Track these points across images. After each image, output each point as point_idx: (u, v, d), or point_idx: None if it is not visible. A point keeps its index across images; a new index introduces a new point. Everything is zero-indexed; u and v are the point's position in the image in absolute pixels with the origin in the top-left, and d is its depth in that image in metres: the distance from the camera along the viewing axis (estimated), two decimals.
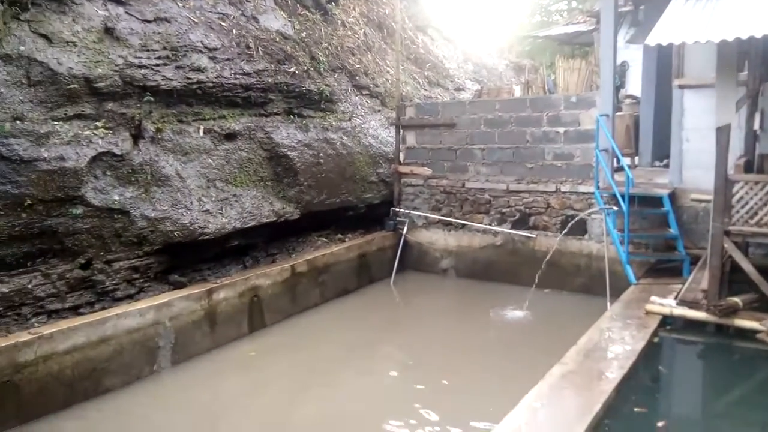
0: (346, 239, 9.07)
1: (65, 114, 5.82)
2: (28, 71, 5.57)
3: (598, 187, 7.51)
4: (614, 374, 4.04)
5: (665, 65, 8.07)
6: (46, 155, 5.38)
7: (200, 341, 6.25)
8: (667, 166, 9.29)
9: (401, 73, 10.40)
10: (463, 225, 9.02)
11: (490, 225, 8.77)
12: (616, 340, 4.76)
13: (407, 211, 9.55)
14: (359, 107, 10.07)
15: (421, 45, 13.99)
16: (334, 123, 9.19)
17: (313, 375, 5.84)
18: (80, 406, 5.07)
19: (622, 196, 6.70)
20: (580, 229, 7.96)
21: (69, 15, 6.14)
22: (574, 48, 19.02)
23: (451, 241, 9.17)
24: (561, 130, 8.22)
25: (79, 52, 6.03)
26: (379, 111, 10.52)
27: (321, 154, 8.64)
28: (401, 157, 9.72)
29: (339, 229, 9.26)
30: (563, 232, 7.88)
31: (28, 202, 5.22)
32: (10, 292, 5.15)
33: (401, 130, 9.69)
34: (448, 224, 9.21)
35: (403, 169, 9.63)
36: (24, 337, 4.84)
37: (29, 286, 5.29)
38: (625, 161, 7.50)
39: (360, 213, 9.47)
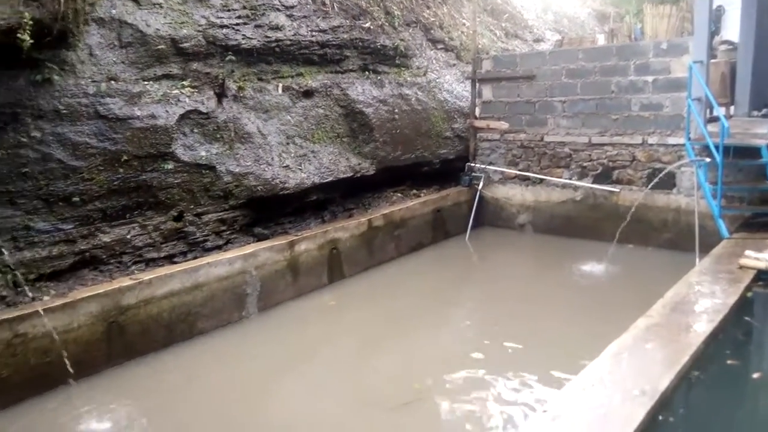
0: (422, 194, 9.09)
1: (154, 74, 6.10)
2: (120, 34, 5.86)
3: (689, 139, 7.10)
4: (703, 328, 3.89)
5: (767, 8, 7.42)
6: (138, 113, 5.69)
7: (284, 290, 6.53)
8: (766, 116, 8.64)
9: (477, 25, 10.10)
10: (541, 180, 8.81)
11: (569, 179, 8.52)
12: (705, 294, 4.57)
13: (483, 166, 9.43)
14: (434, 62, 9.92)
15: None
16: (408, 78, 9.12)
17: (390, 324, 5.99)
18: (178, 346, 5.46)
19: (716, 147, 6.30)
20: (668, 182, 7.59)
21: None
22: None
23: (529, 196, 9.00)
24: (649, 79, 7.77)
25: (165, 13, 6.27)
26: (454, 65, 10.32)
27: (396, 110, 8.62)
28: (477, 111, 9.55)
29: (414, 184, 9.29)
30: (649, 186, 7.54)
31: (125, 158, 5.56)
32: (112, 241, 5.56)
33: (477, 84, 9.49)
34: (525, 179, 9.03)
35: (478, 123, 9.47)
36: (126, 282, 5.24)
37: (128, 237, 5.69)
38: (720, 111, 7.03)
39: (435, 169, 9.44)
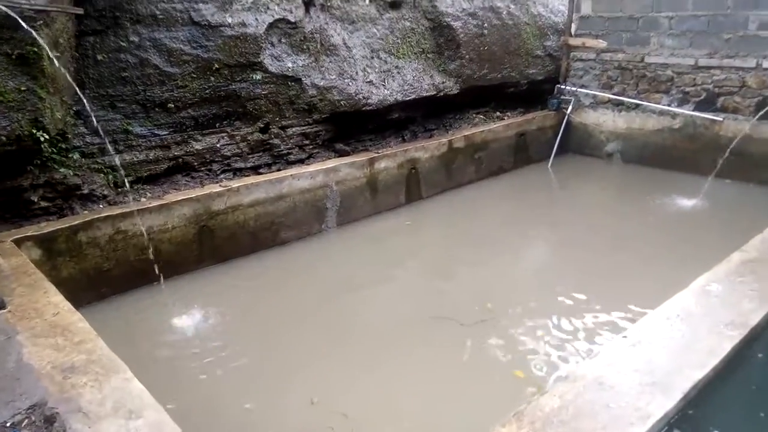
0: (505, 117, 8.81)
1: None
2: None
3: None
4: None
5: None
6: (230, 21, 5.73)
7: (362, 206, 6.65)
8: None
9: None
10: (637, 105, 8.27)
11: (668, 106, 7.95)
12: None
13: (574, 88, 8.94)
14: None
15: None
16: None
17: (465, 247, 6.01)
18: (262, 254, 5.74)
19: None
20: None
21: None
22: None
23: (621, 122, 8.51)
24: None
25: None
26: None
27: (485, 25, 8.22)
28: (573, 28, 8.94)
29: (498, 106, 8.99)
30: (758, 116, 6.92)
31: (216, 66, 5.67)
32: (203, 149, 5.80)
33: None
34: (619, 104, 8.51)
35: (573, 41, 8.89)
36: (216, 188, 5.49)
37: (218, 145, 5.90)
38: None
39: (522, 90, 9.05)
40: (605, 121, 8.66)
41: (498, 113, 8.91)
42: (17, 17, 3.85)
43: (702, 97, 7.63)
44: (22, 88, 4.15)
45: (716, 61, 7.44)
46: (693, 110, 7.70)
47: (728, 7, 7.31)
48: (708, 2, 7.47)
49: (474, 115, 8.64)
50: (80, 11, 4.64)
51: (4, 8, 3.80)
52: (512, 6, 8.59)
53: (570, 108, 8.87)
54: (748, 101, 7.24)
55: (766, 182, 7.13)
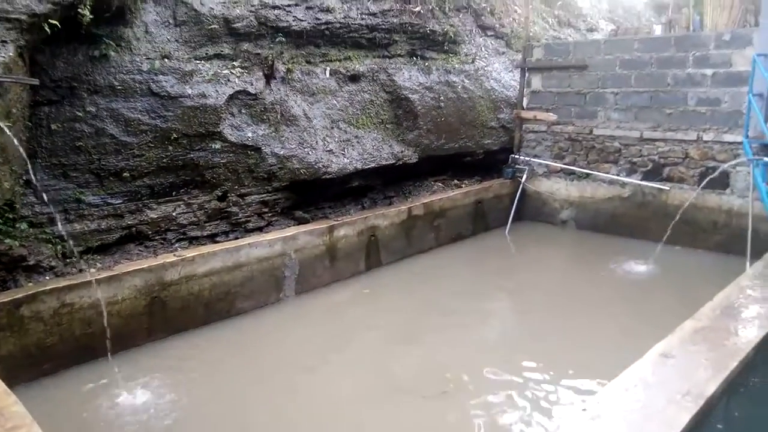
0: (463, 185, 9.00)
1: (206, 53, 6.18)
2: (175, 12, 5.96)
3: (747, 136, 6.80)
4: (754, 333, 3.73)
5: None
6: (190, 92, 5.78)
7: (322, 274, 6.58)
8: None
9: (530, 12, 9.87)
10: (588, 174, 8.60)
11: (617, 175, 8.28)
12: (758, 299, 4.37)
13: (527, 158, 9.25)
14: (483, 49, 9.75)
15: None
16: (456, 65, 9.00)
17: (424, 315, 5.96)
18: (216, 325, 5.56)
19: None
20: (722, 182, 7.30)
21: None
22: None
23: (573, 191, 8.80)
24: (709, 72, 7.46)
25: None
26: (503, 53, 10.12)
27: (442, 98, 8.53)
28: (524, 101, 9.36)
29: (456, 174, 9.20)
30: (702, 185, 7.26)
31: (174, 136, 5.67)
32: (158, 218, 5.69)
33: (526, 73, 9.29)
34: (570, 173, 8.83)
35: (525, 114, 9.28)
36: (170, 258, 5.36)
37: (174, 214, 5.81)
38: None
39: (478, 159, 9.31)
40: (558, 189, 8.95)
41: (456, 181, 9.10)
42: None
43: (649, 167, 7.99)
44: None
45: (660, 133, 7.86)
46: (641, 180, 8.03)
47: (668, 84, 7.80)
48: (649, 80, 7.96)
49: (433, 183, 8.81)
50: (35, 82, 4.60)
51: None
52: (467, 81, 8.96)
53: (525, 177, 9.14)
54: (692, 171, 7.61)
55: (713, 248, 7.41)
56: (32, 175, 4.49)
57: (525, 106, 9.33)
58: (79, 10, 4.79)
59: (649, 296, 6.28)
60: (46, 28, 4.62)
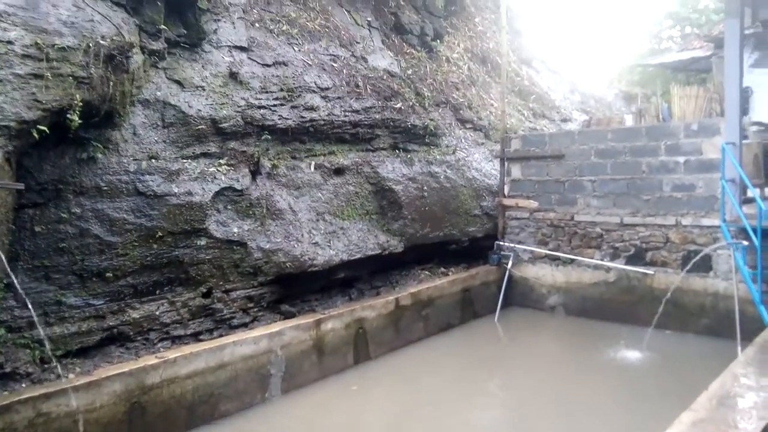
0: (450, 273, 9.00)
1: (193, 152, 6.29)
2: (163, 114, 6.11)
3: (724, 220, 6.97)
4: (754, 425, 3.64)
5: None
6: (176, 191, 5.83)
7: (308, 371, 6.39)
8: None
9: (506, 105, 10.31)
10: (572, 260, 8.67)
11: (601, 260, 8.36)
12: (753, 387, 4.31)
13: (512, 245, 9.34)
14: (463, 140, 10.08)
15: (525, 77, 13.85)
16: (438, 156, 9.25)
17: (415, 410, 5.77)
18: (199, 429, 5.31)
19: (754, 230, 6.15)
20: (705, 265, 7.39)
21: (199, 62, 6.70)
22: (689, 75, 18.06)
23: (559, 276, 8.83)
24: (681, 159, 7.75)
25: (207, 95, 6.54)
26: (482, 144, 10.47)
27: (425, 188, 8.70)
28: (506, 189, 9.58)
29: (442, 262, 9.22)
30: (685, 269, 7.34)
31: (159, 234, 5.65)
32: (141, 318, 5.56)
33: (506, 163, 9.57)
34: (555, 259, 8.89)
35: (507, 201, 9.47)
36: (151, 360, 5.18)
37: (157, 313, 5.69)
38: (756, 192, 6.92)
39: (463, 246, 9.38)
40: (544, 275, 8.98)
41: (442, 269, 9.11)
42: None
43: (631, 252, 8.09)
44: None
45: (639, 219, 8.03)
46: (625, 264, 8.11)
47: (643, 172, 8.07)
48: (625, 168, 8.23)
49: (419, 271, 8.80)
50: (21, 186, 4.63)
51: None
52: (449, 171, 9.19)
53: (510, 263, 9.19)
54: (674, 255, 7.71)
55: (703, 331, 7.38)
56: (13, 279, 4.40)
57: (506, 193, 9.53)
58: (68, 115, 4.88)
59: (642, 385, 6.16)
60: (35, 134, 4.69)
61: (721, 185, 6.92)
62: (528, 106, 12.83)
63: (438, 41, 11.33)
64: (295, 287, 6.97)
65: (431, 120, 9.44)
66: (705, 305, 7.46)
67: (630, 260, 8.10)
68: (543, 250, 9.00)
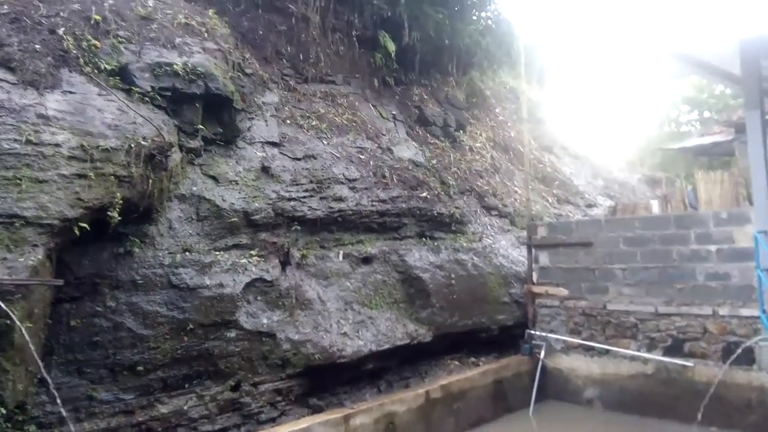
0: (480, 363, 8.77)
1: (226, 244, 6.42)
2: (198, 208, 6.31)
3: (764, 311, 6.75)
4: None
5: None
6: (208, 283, 5.90)
7: None
8: None
9: (530, 192, 10.42)
10: (607, 350, 8.39)
11: (638, 351, 8.08)
12: None
13: (543, 333, 9.11)
14: (489, 227, 10.13)
15: (548, 164, 14.07)
16: (464, 244, 9.28)
17: None
18: None
19: None
20: (747, 358, 7.08)
21: (233, 158, 6.98)
22: (711, 158, 18.19)
23: (595, 368, 8.52)
24: (712, 248, 7.63)
25: (240, 189, 6.76)
26: (508, 231, 10.50)
27: (452, 275, 8.66)
28: (534, 277, 9.48)
29: (472, 351, 9.01)
30: (727, 362, 7.04)
31: (190, 326, 5.67)
32: (169, 413, 5.48)
33: (533, 250, 9.53)
34: (590, 349, 8.62)
35: (536, 289, 9.35)
36: None
37: (185, 407, 5.60)
38: None
39: (494, 335, 9.19)
40: (579, 366, 8.68)
41: (473, 358, 8.89)
42: None
43: (669, 343, 7.82)
44: None
45: (674, 308, 7.81)
46: (662, 356, 7.82)
47: (675, 260, 7.94)
48: (655, 256, 8.12)
49: (449, 361, 8.60)
50: (60, 282, 4.74)
51: None
52: (476, 258, 9.17)
53: (543, 353, 8.92)
54: (714, 346, 7.43)
55: (750, 429, 6.96)
56: (47, 375, 4.42)
57: (535, 281, 9.43)
58: (109, 212, 5.07)
59: None
60: (76, 231, 4.85)
61: (757, 275, 6.77)
62: (552, 192, 12.93)
63: (461, 131, 11.67)
64: (324, 379, 6.84)
65: (457, 208, 9.55)
66: (751, 400, 7.08)
67: (668, 351, 7.81)
68: (576, 340, 8.75)
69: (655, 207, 11.07)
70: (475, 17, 11.91)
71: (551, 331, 9.07)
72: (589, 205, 13.69)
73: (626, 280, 8.41)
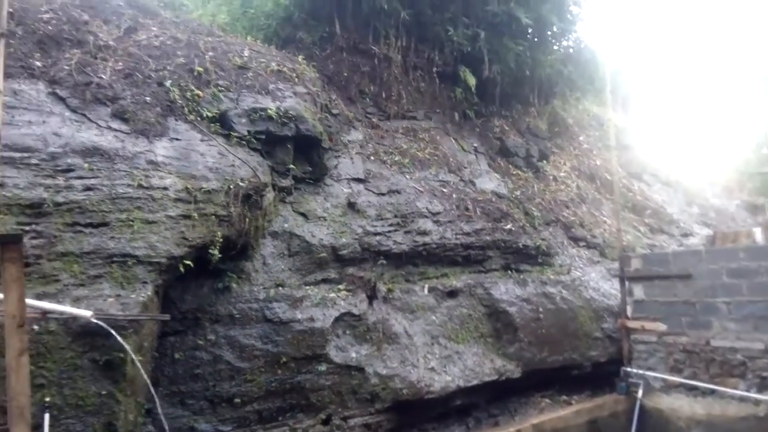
0: (573, 401, 8.42)
1: (315, 279, 6.62)
2: (289, 244, 6.55)
3: None
4: None
5: None
6: (299, 317, 6.08)
7: None
8: None
9: (620, 222, 10.03)
10: (712, 390, 7.82)
11: (747, 392, 7.48)
12: None
13: (640, 371, 8.63)
14: (577, 259, 9.82)
15: (637, 192, 13.51)
16: (552, 276, 9.03)
17: None
18: None
19: None
20: None
21: (321, 195, 7.23)
22: None
23: (698, 409, 7.94)
24: None
25: (328, 225, 6.97)
26: (598, 262, 10.12)
27: (540, 309, 8.43)
28: (628, 311, 9.03)
29: (563, 389, 8.67)
30: None
31: (284, 359, 5.84)
32: None
33: (627, 282, 9.11)
34: (692, 388, 8.06)
35: (631, 324, 8.90)
36: None
37: None
38: None
39: (586, 372, 8.81)
40: (681, 406, 8.11)
41: (564, 396, 8.55)
42: (110, 329, 4.20)
43: None
44: (103, 392, 4.30)
45: None
46: None
47: None
48: (764, 289, 7.55)
49: (539, 399, 8.33)
50: (167, 317, 5.05)
51: (99, 322, 4.19)
52: (564, 291, 8.89)
53: (640, 392, 8.43)
54: None
55: None
56: (157, 405, 4.68)
57: (630, 315, 8.98)
58: (210, 250, 5.39)
59: None
60: (181, 268, 5.18)
61: None
62: (643, 222, 12.37)
63: (544, 161, 11.49)
64: (411, 415, 6.81)
65: (542, 239, 9.34)
66: None
67: None
68: (677, 379, 8.22)
69: (759, 235, 10.31)
70: (556, 47, 11.80)
71: (649, 369, 8.57)
72: (685, 234, 12.97)
73: (731, 314, 7.85)
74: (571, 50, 12.18)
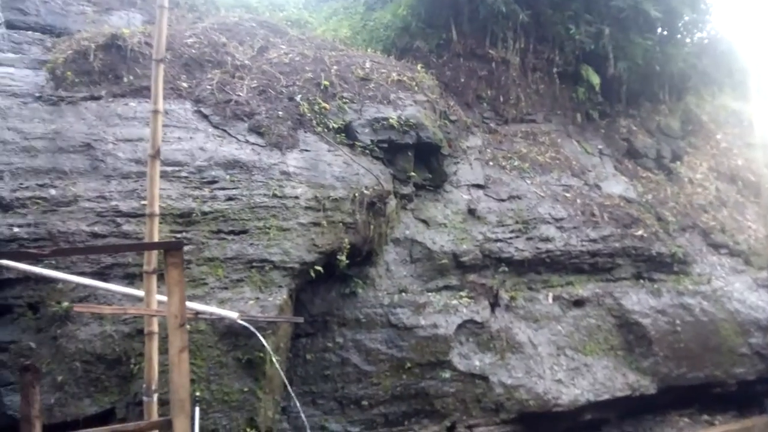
0: (716, 421, 7.74)
1: (437, 286, 6.63)
2: (411, 251, 6.63)
3: None
4: None
5: None
6: (423, 323, 6.13)
7: None
8: None
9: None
10: None
11: None
12: None
13: None
14: (718, 268, 9.01)
15: None
16: (690, 286, 8.36)
17: None
18: None
19: None
20: None
21: (441, 201, 7.24)
22: None
23: None
24: None
25: (448, 231, 6.97)
26: (743, 271, 9.22)
27: (677, 321, 7.83)
28: None
29: (704, 408, 7.99)
30: None
31: (408, 365, 5.91)
32: None
33: None
34: None
35: None
36: None
37: None
38: None
39: (731, 391, 8.05)
40: None
41: (705, 416, 7.88)
42: (255, 330, 4.47)
43: None
44: (245, 389, 4.60)
45: None
46: None
47: None
48: None
49: (677, 418, 7.74)
50: (301, 320, 5.30)
51: (244, 323, 4.48)
52: (704, 303, 8.20)
53: None
54: None
55: None
56: (297, 402, 4.91)
57: None
58: (338, 256, 5.60)
59: None
60: (311, 273, 5.42)
61: None
62: None
63: (677, 162, 10.67)
64: (537, 427, 6.60)
65: (678, 246, 8.68)
66: None
67: None
68: None
69: None
70: (688, 39, 10.98)
71: None
72: None
73: None
74: (705, 42, 11.27)
